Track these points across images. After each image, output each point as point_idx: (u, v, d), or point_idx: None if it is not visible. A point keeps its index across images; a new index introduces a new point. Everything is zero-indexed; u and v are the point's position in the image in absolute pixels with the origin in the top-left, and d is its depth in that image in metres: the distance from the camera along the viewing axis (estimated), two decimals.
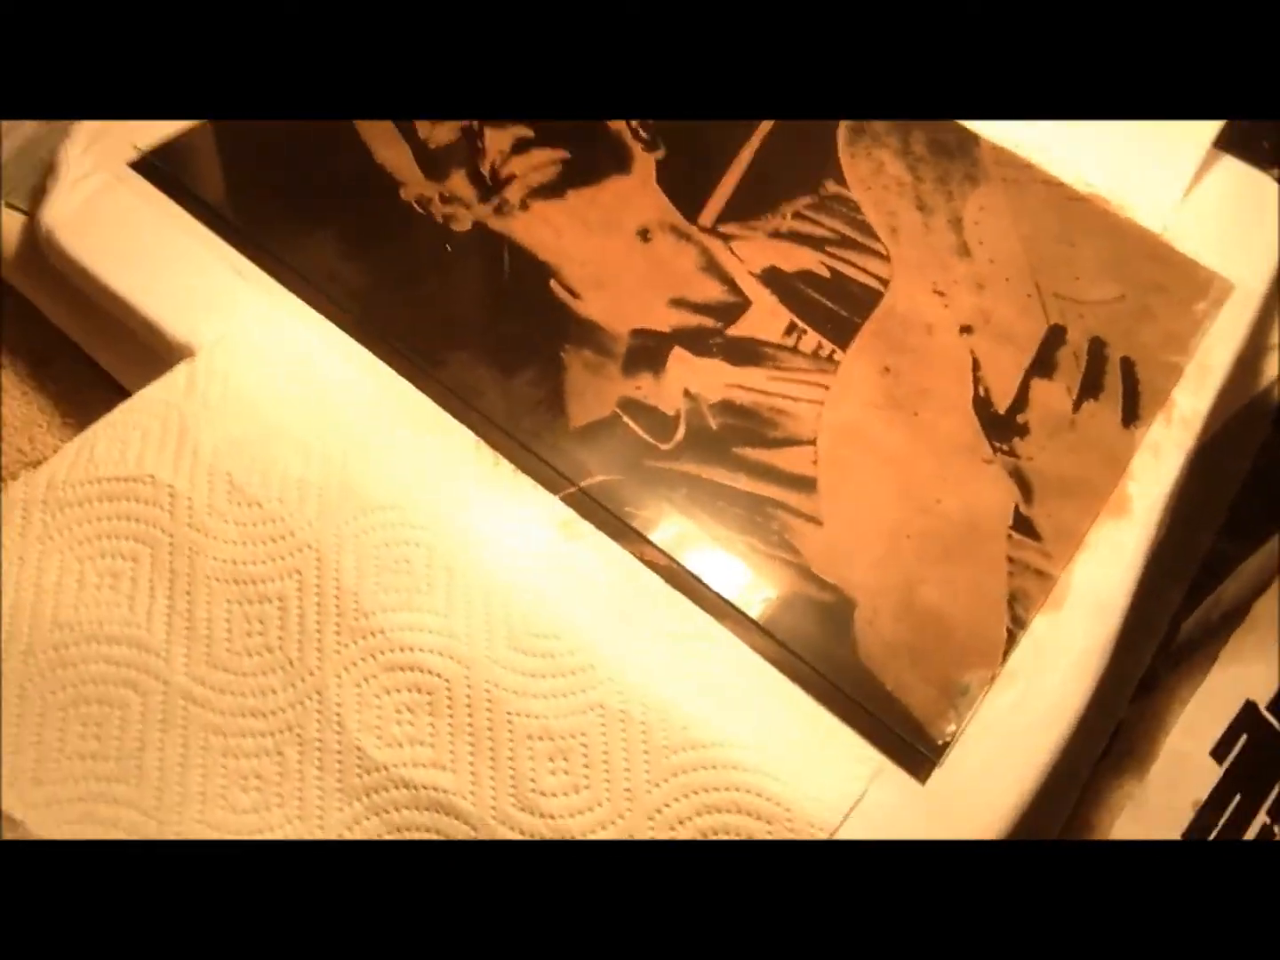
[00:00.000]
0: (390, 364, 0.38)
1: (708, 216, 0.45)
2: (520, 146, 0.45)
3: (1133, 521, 0.38)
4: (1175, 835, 0.42)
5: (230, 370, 0.37)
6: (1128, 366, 0.43)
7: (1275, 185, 0.51)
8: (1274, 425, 0.52)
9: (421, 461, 0.36)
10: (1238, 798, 0.44)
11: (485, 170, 0.44)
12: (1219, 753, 0.44)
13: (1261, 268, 0.48)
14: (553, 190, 0.44)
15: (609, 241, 0.43)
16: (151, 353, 0.40)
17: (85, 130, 0.44)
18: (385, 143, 0.45)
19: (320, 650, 0.30)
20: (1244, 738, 0.45)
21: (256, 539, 0.33)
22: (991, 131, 0.50)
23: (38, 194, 0.44)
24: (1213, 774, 0.44)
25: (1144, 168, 0.50)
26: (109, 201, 0.42)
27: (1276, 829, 0.44)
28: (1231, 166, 0.51)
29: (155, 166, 0.43)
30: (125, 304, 0.40)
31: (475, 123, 0.46)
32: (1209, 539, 0.47)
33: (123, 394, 0.38)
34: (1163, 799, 0.43)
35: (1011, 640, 0.35)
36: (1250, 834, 0.43)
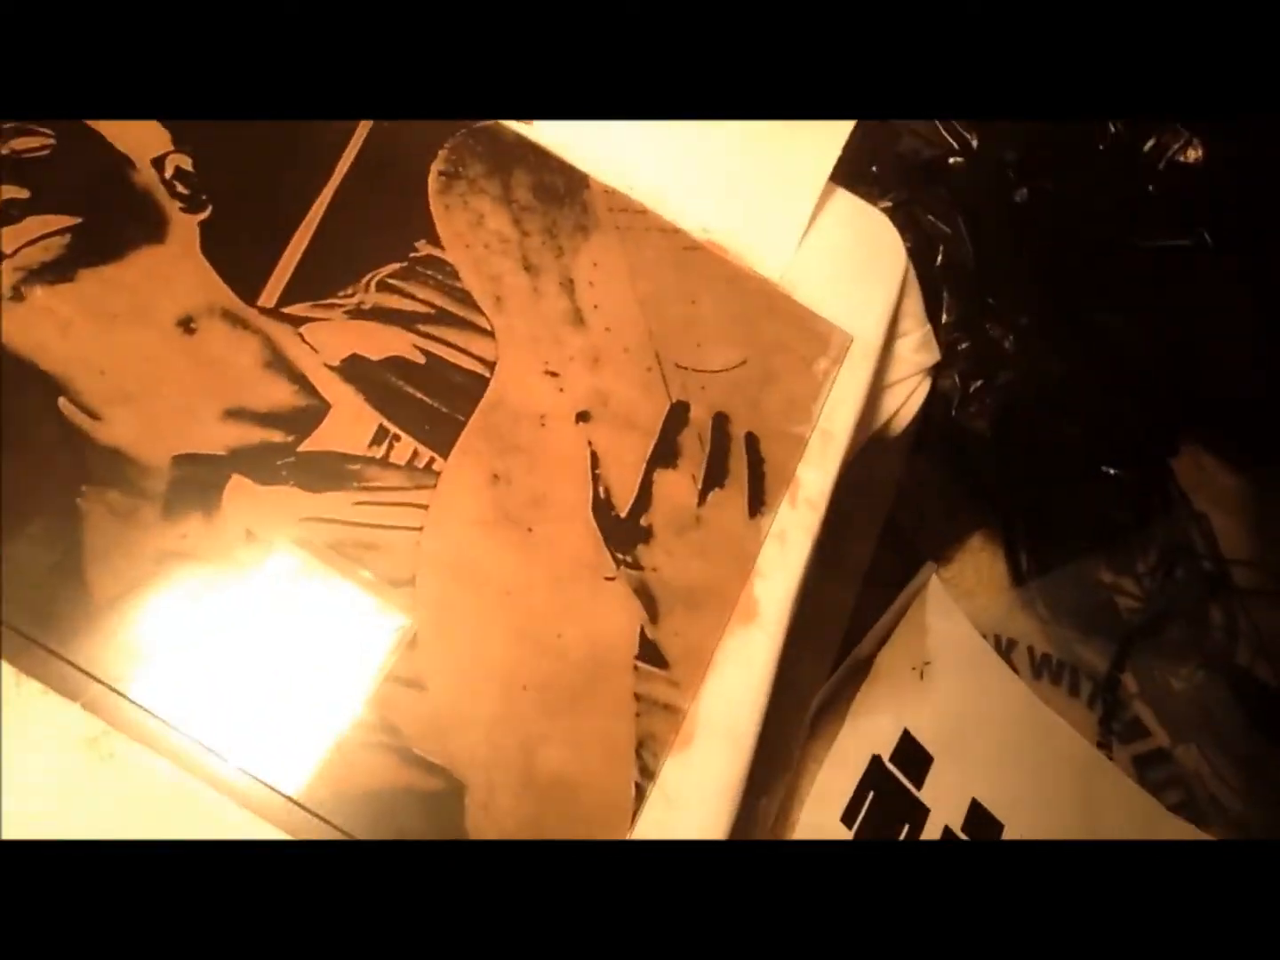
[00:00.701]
0: None
1: (270, 295, 0.37)
2: (12, 214, 0.35)
3: (761, 625, 0.36)
4: None
5: None
6: (752, 444, 0.40)
7: (886, 220, 0.50)
8: (908, 458, 0.52)
9: None
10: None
11: None
12: (849, 817, 0.45)
13: (878, 311, 0.47)
14: (58, 271, 0.35)
15: (139, 336, 0.34)
16: None
17: None
18: None
19: None
20: (871, 795, 0.46)
21: None
22: (602, 172, 0.45)
23: None
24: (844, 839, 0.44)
25: (760, 208, 0.47)
26: None
27: None
28: (845, 201, 0.50)
29: None
30: None
31: None
32: (851, 603, 0.46)
33: None
34: None
35: (641, 797, 0.32)
36: None
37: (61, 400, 0.33)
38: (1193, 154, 0.62)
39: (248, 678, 0.30)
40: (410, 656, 0.32)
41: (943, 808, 0.47)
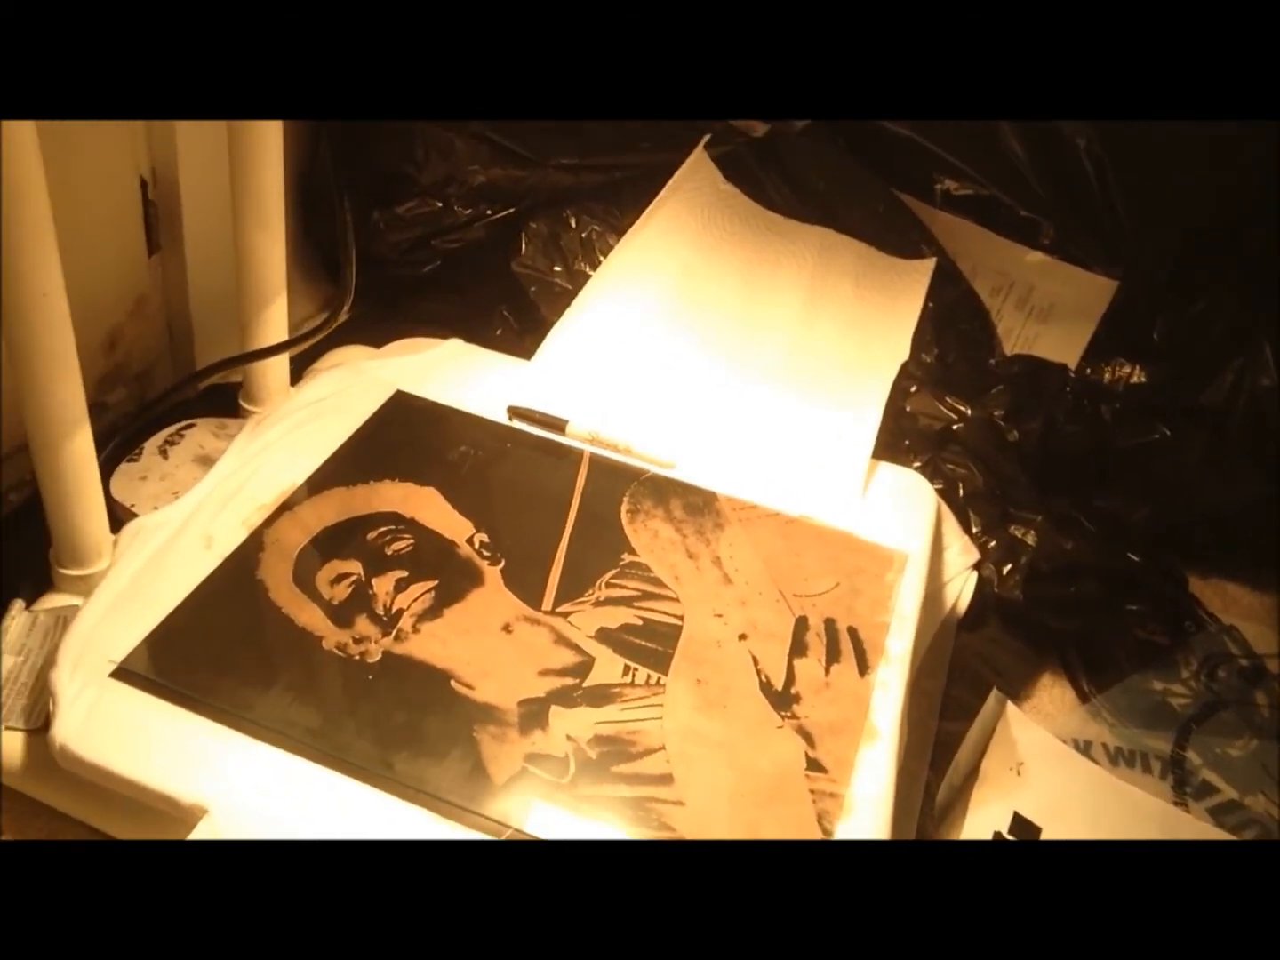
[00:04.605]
0: (354, 777, 0.53)
1: (547, 602, 0.62)
2: (401, 585, 0.62)
3: (880, 740, 0.57)
4: None
5: (240, 821, 0.50)
6: (853, 633, 0.62)
7: (919, 476, 0.75)
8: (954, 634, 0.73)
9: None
10: None
11: (380, 610, 0.61)
12: None
13: (923, 535, 0.70)
14: (433, 613, 0.61)
15: (484, 640, 0.60)
16: (165, 817, 0.52)
17: (68, 657, 0.57)
18: (299, 609, 0.60)
19: None
20: None
21: None
22: (723, 488, 0.71)
23: (29, 713, 0.57)
24: None
25: (829, 487, 0.72)
26: (101, 710, 0.54)
27: None
28: (886, 469, 0.74)
29: (129, 672, 0.57)
30: (138, 786, 0.52)
31: (363, 575, 0.62)
32: (934, 726, 0.67)
33: None
34: None
35: None
36: None
37: (452, 682, 0.58)
38: (1138, 377, 0.85)
39: (587, 801, 0.53)
40: (673, 789, 0.54)
41: None
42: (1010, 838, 0.65)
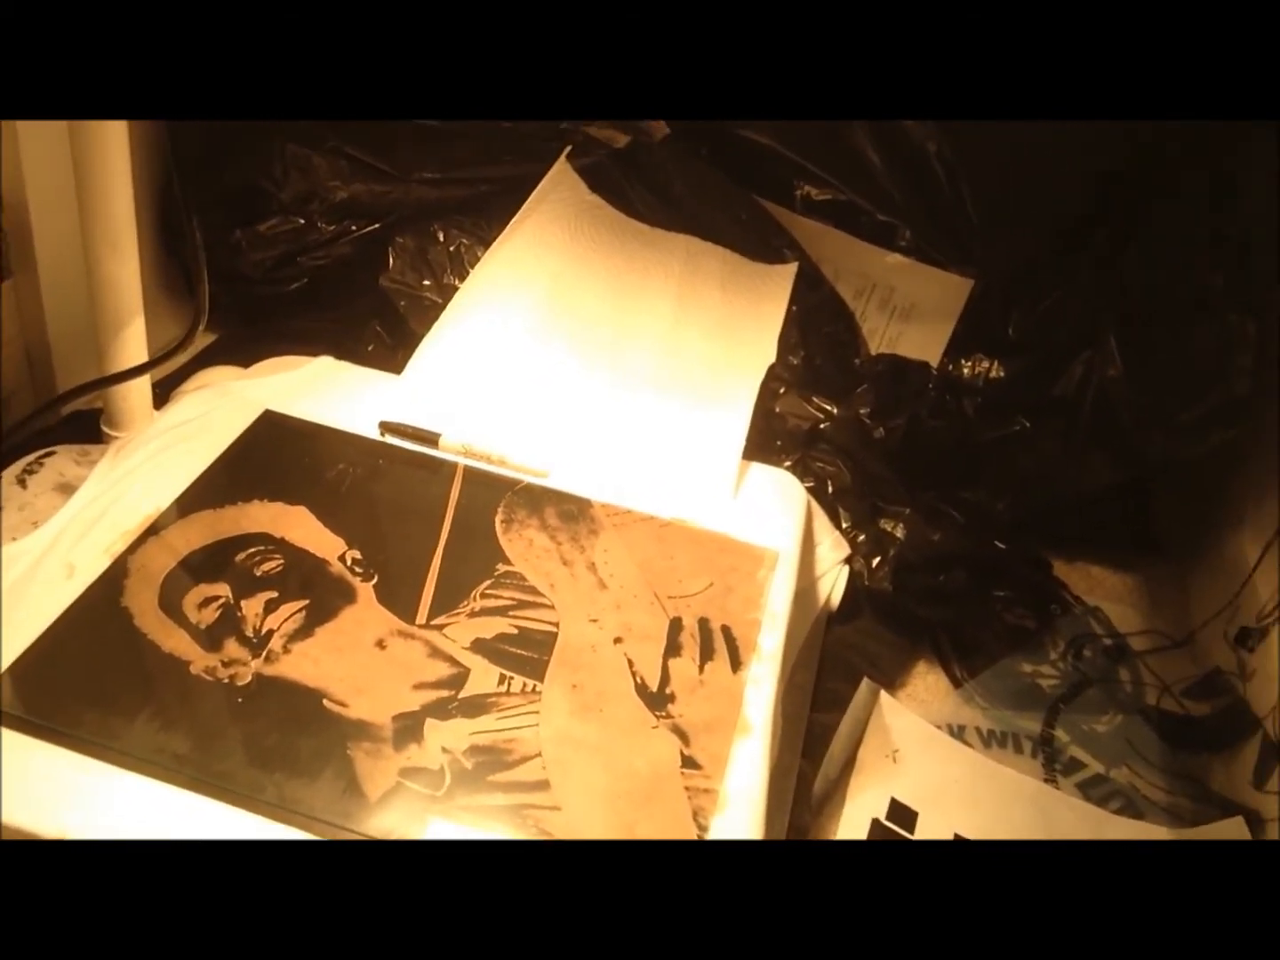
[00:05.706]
0: (227, 802, 0.52)
1: (421, 616, 0.62)
2: (271, 606, 0.61)
3: (753, 735, 0.58)
4: None
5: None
6: (726, 631, 0.64)
7: (789, 474, 0.76)
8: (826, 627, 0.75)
9: None
10: None
11: (249, 632, 0.60)
12: None
13: (793, 532, 0.72)
14: (304, 632, 0.60)
15: (356, 656, 0.60)
16: None
17: None
18: (166, 634, 0.59)
19: None
20: None
21: None
22: (597, 495, 0.72)
23: None
24: None
25: (701, 490, 0.73)
26: None
27: None
28: (757, 469, 0.76)
29: None
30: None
31: (231, 597, 0.61)
32: (806, 717, 0.68)
33: None
34: None
35: None
36: None
37: (325, 701, 0.57)
38: (996, 371, 0.89)
39: (464, 811, 0.53)
40: (549, 794, 0.54)
41: None
42: (889, 823, 0.67)
